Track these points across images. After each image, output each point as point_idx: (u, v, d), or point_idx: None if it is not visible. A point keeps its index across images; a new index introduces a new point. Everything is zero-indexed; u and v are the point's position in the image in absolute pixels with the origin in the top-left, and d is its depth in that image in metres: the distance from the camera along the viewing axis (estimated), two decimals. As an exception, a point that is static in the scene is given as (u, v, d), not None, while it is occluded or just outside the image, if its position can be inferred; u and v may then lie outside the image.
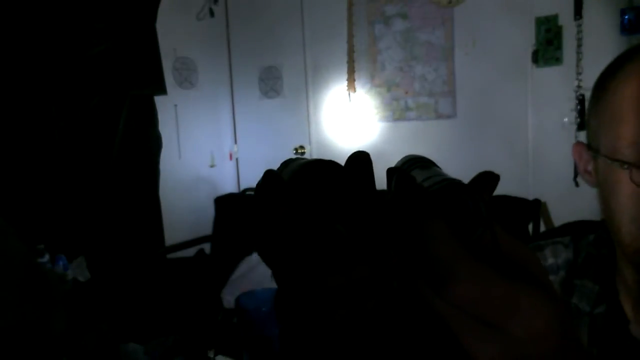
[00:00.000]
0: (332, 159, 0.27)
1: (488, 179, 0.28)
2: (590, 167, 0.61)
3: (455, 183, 0.25)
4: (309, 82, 3.44)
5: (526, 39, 2.66)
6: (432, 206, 0.25)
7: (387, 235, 0.25)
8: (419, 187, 0.26)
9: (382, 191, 0.28)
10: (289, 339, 0.26)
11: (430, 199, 0.25)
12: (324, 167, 0.27)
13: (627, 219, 0.55)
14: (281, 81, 3.53)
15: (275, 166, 0.32)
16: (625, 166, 0.54)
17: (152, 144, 3.05)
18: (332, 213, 0.26)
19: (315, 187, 0.26)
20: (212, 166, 3.60)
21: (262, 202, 0.27)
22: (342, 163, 0.28)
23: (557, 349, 0.25)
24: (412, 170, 0.29)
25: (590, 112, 0.62)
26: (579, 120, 2.49)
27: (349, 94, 3.25)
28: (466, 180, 0.27)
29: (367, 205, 0.26)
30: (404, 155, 0.31)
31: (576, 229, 0.72)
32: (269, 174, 0.28)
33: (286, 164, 0.31)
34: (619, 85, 0.56)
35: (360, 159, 0.27)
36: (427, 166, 0.29)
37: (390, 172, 0.29)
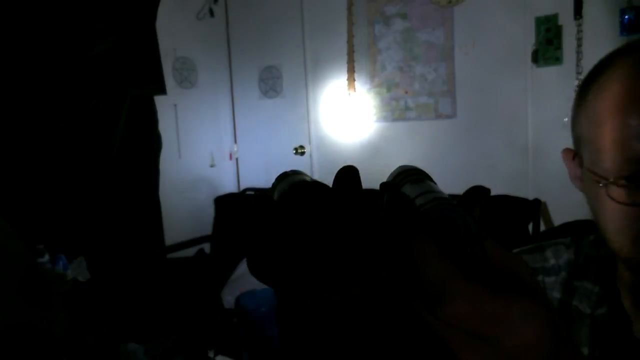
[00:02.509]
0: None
1: (478, 193, 0.29)
2: (579, 173, 0.61)
3: (444, 202, 0.26)
4: (309, 82, 3.44)
5: (526, 39, 2.65)
6: (422, 226, 0.25)
7: (379, 254, 0.26)
8: (411, 207, 0.27)
9: (371, 191, 0.29)
10: (291, 350, 0.27)
11: (421, 219, 0.25)
12: (311, 188, 0.28)
13: (612, 231, 0.55)
14: (281, 81, 3.53)
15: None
16: (601, 184, 0.53)
17: (152, 144, 3.05)
18: (323, 233, 0.26)
19: (304, 208, 0.27)
20: (212, 166, 3.60)
21: (253, 224, 0.28)
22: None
23: (551, 356, 0.26)
24: (404, 184, 0.29)
25: (574, 120, 0.62)
26: (578, 120, 2.49)
27: (349, 94, 3.25)
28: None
29: (358, 224, 0.26)
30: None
31: (577, 229, 0.72)
32: (259, 197, 0.30)
33: (280, 178, 0.31)
34: (599, 96, 0.55)
35: (348, 175, 0.27)
36: (420, 180, 0.29)
37: (382, 187, 0.29)
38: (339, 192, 0.27)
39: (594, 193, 0.56)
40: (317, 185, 0.28)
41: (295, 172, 0.31)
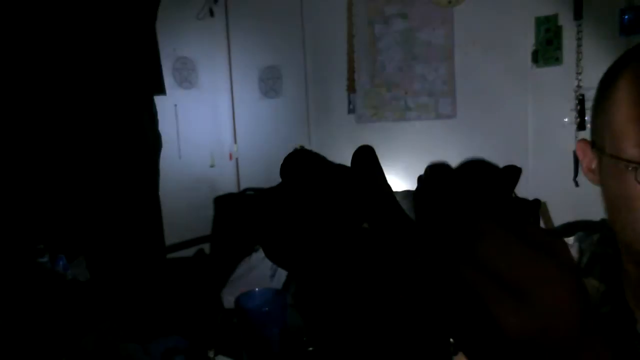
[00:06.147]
0: (334, 160, 0.28)
1: (512, 172, 0.31)
2: (594, 166, 0.61)
3: (480, 160, 0.29)
4: (309, 82, 3.44)
5: (526, 39, 2.65)
6: (460, 184, 0.27)
7: (413, 228, 0.26)
8: (450, 171, 0.29)
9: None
10: (317, 333, 0.27)
11: (458, 177, 0.28)
12: (331, 168, 0.28)
13: (631, 219, 0.55)
14: (281, 81, 3.53)
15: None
16: (630, 167, 0.53)
17: (152, 144, 3.05)
18: (352, 211, 0.26)
19: (323, 188, 0.27)
20: (212, 166, 3.60)
21: (274, 207, 0.28)
22: (344, 164, 0.28)
23: (581, 323, 0.26)
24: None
25: (595, 109, 0.61)
26: (579, 120, 2.49)
27: (349, 94, 3.25)
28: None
29: (387, 200, 0.27)
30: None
31: (577, 229, 0.72)
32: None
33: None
34: (626, 84, 0.56)
35: (365, 154, 0.28)
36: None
37: (420, 179, 0.31)
38: (360, 168, 0.27)
39: (616, 180, 0.56)
40: (336, 165, 0.28)
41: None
